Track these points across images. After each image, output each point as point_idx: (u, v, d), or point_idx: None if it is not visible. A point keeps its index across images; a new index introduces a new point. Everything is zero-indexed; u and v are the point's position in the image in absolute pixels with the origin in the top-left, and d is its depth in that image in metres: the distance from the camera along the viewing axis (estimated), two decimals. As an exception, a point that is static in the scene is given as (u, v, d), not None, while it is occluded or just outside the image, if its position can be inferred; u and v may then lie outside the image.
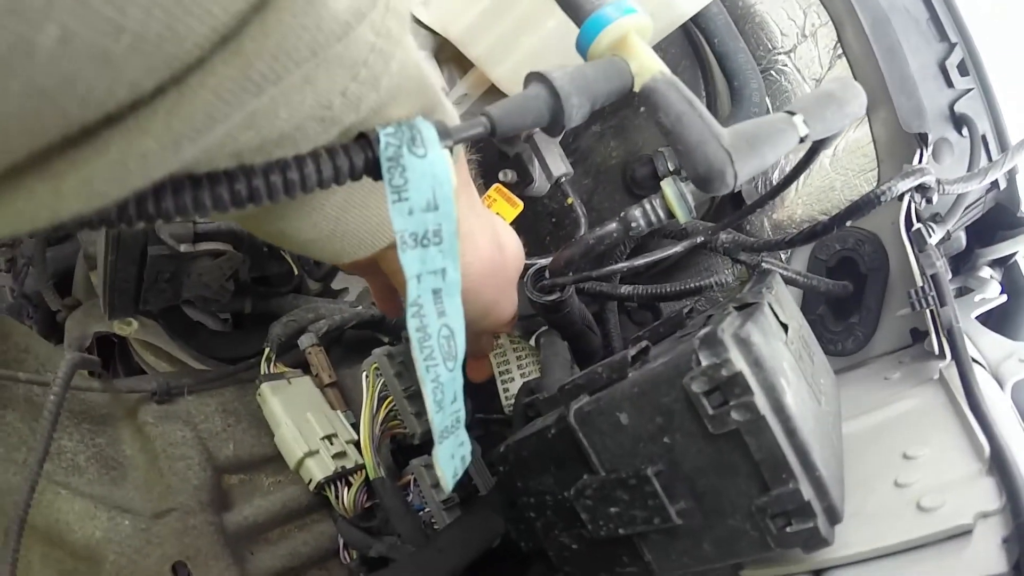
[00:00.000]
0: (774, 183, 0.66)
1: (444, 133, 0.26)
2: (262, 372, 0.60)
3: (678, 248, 0.54)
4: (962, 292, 0.64)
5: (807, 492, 0.32)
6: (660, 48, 0.68)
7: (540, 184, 0.68)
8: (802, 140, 0.33)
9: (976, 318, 0.59)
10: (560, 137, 0.69)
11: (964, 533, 0.34)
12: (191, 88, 0.18)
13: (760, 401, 0.32)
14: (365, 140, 0.25)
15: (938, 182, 0.49)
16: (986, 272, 0.64)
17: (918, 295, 0.48)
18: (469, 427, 0.34)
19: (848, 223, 0.49)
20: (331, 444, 0.57)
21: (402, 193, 0.25)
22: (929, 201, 0.50)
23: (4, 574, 0.42)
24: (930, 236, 0.49)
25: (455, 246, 0.28)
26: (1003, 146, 0.60)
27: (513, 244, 0.46)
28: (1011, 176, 0.60)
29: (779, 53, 0.65)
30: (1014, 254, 0.64)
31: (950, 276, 0.63)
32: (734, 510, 0.34)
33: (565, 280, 0.55)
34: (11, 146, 0.16)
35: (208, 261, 0.63)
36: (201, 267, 0.63)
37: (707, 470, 0.35)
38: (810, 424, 0.34)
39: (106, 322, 0.69)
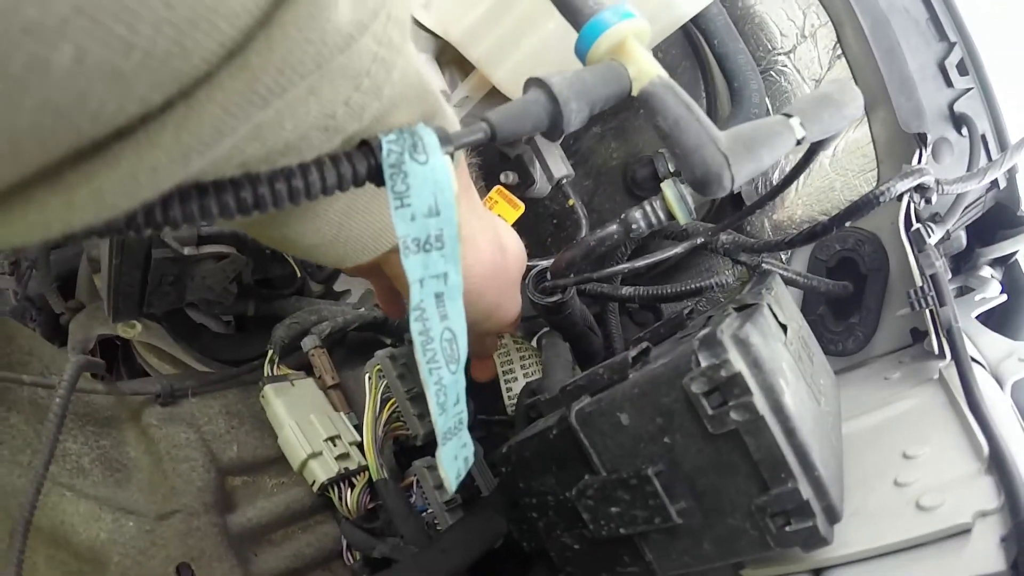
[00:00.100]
0: (774, 184, 0.66)
1: (445, 139, 0.27)
2: (265, 374, 0.61)
3: (678, 249, 0.55)
4: (962, 291, 0.64)
5: (806, 491, 0.33)
6: (660, 49, 0.68)
7: (541, 186, 0.68)
8: (799, 142, 0.34)
9: (976, 317, 0.59)
10: (561, 139, 0.69)
11: (963, 532, 0.34)
12: (199, 102, 0.18)
13: (759, 401, 0.32)
14: (367, 147, 0.25)
15: (937, 182, 0.49)
16: (986, 271, 0.64)
17: (917, 295, 0.48)
18: (471, 428, 0.35)
19: (847, 223, 0.49)
20: (334, 446, 0.57)
21: (404, 199, 0.26)
22: (928, 201, 0.50)
23: (11, 575, 0.42)
24: (929, 236, 0.49)
25: (457, 250, 0.28)
26: (1003, 145, 0.60)
27: (515, 245, 0.46)
28: (1011, 175, 0.60)
29: (779, 54, 0.66)
30: (1014, 253, 0.64)
31: (950, 276, 0.63)
32: (734, 509, 0.35)
33: (566, 281, 0.55)
34: (24, 159, 0.17)
35: (211, 264, 0.63)
36: (204, 270, 0.63)
37: (707, 470, 0.35)
38: (809, 424, 0.35)
39: (110, 325, 0.70)
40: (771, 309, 0.41)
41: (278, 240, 0.31)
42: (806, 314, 0.64)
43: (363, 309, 0.69)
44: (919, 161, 0.56)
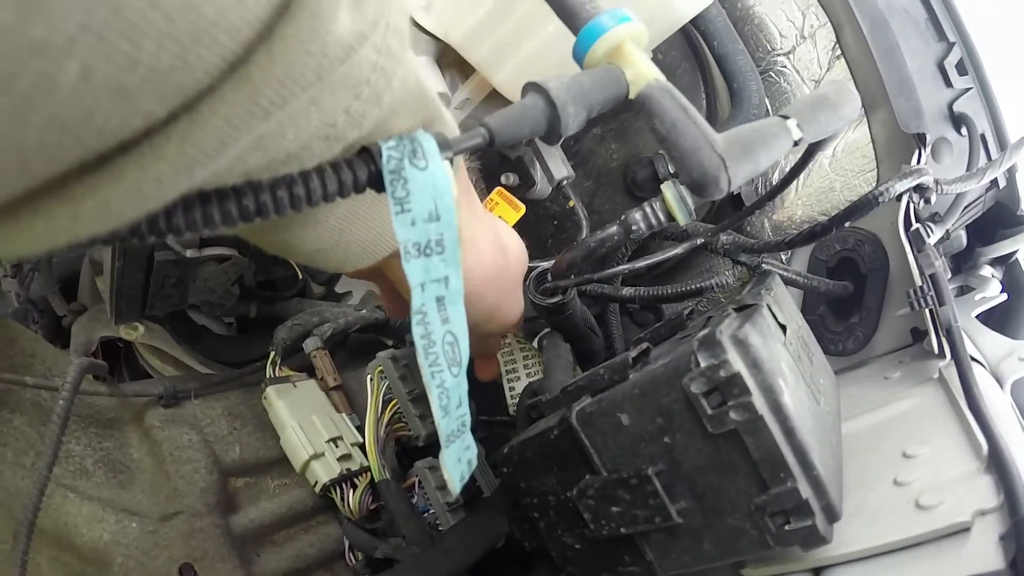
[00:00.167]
0: (774, 185, 0.66)
1: (444, 145, 0.27)
2: (267, 376, 0.61)
3: (678, 250, 0.55)
4: (963, 291, 0.64)
5: (805, 491, 0.33)
6: (660, 51, 0.68)
7: (542, 187, 0.69)
8: (796, 143, 0.34)
9: (977, 317, 0.59)
10: (561, 141, 0.70)
11: (962, 530, 0.35)
12: (202, 115, 0.18)
13: (758, 401, 0.32)
14: (368, 154, 0.25)
15: (936, 182, 0.49)
16: (987, 271, 0.64)
17: (917, 295, 0.48)
18: (473, 429, 0.35)
19: (847, 224, 0.49)
20: (336, 447, 0.58)
21: (404, 204, 0.26)
22: (927, 201, 0.50)
23: None
24: (929, 236, 0.49)
25: (457, 255, 0.29)
26: (1002, 145, 0.60)
27: (516, 246, 0.46)
28: (1011, 174, 0.60)
29: (778, 55, 0.66)
30: (1014, 252, 0.64)
31: (950, 275, 0.63)
32: (734, 509, 0.35)
33: (567, 283, 0.55)
34: (31, 173, 0.17)
35: (213, 266, 0.63)
36: (207, 272, 0.63)
37: (707, 470, 0.35)
38: (808, 424, 0.35)
39: (112, 327, 0.70)
40: (770, 309, 0.41)
41: (279, 246, 0.32)
42: (806, 314, 0.64)
43: (364, 311, 0.70)
44: (918, 161, 0.56)
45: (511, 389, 0.61)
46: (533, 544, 0.48)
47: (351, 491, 0.57)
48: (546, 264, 0.59)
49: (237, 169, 0.22)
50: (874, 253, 0.60)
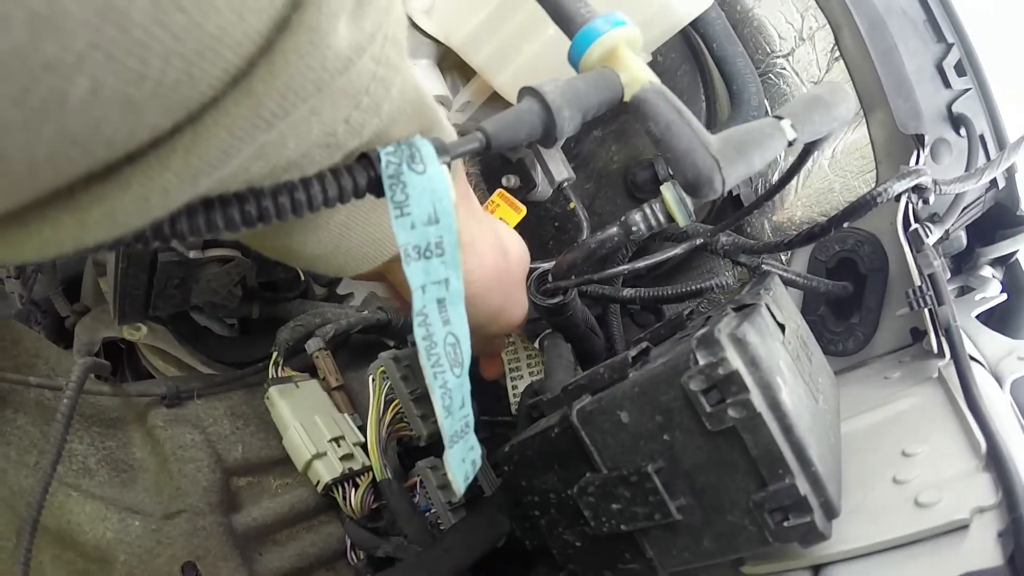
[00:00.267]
0: (771, 185, 0.66)
1: (442, 149, 0.28)
2: (270, 376, 0.61)
3: (678, 250, 0.55)
4: (963, 291, 0.64)
5: (803, 487, 0.33)
6: (660, 53, 0.69)
7: (543, 189, 0.69)
8: (791, 144, 0.34)
9: (977, 317, 0.59)
10: (558, 144, 0.70)
11: (961, 528, 0.35)
12: (206, 127, 0.19)
13: (756, 399, 0.33)
14: (367, 160, 0.26)
15: (935, 182, 0.50)
16: (987, 271, 0.64)
17: (916, 295, 0.48)
18: (475, 429, 0.35)
19: (846, 224, 0.49)
20: (338, 446, 0.58)
21: (404, 208, 0.26)
22: (926, 201, 0.51)
23: (17, 575, 0.42)
24: (928, 236, 0.49)
25: (457, 257, 0.29)
26: (1001, 145, 0.60)
27: (517, 247, 0.47)
28: (1010, 175, 0.61)
29: (777, 56, 0.66)
30: (1014, 253, 0.64)
31: (949, 276, 0.63)
32: (733, 506, 0.35)
33: (568, 283, 0.56)
34: (40, 183, 0.17)
35: (216, 267, 0.64)
36: (209, 273, 0.64)
37: (706, 467, 0.35)
38: (806, 421, 0.35)
39: (115, 327, 0.70)
40: (769, 309, 0.41)
41: (280, 251, 0.32)
42: (806, 314, 0.64)
43: (366, 312, 0.70)
44: (917, 162, 0.57)
45: (514, 387, 0.61)
46: (534, 542, 0.48)
47: (353, 490, 0.57)
48: (547, 265, 0.59)
49: (240, 177, 0.23)
50: (874, 253, 0.60)
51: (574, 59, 0.36)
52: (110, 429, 0.54)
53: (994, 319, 0.63)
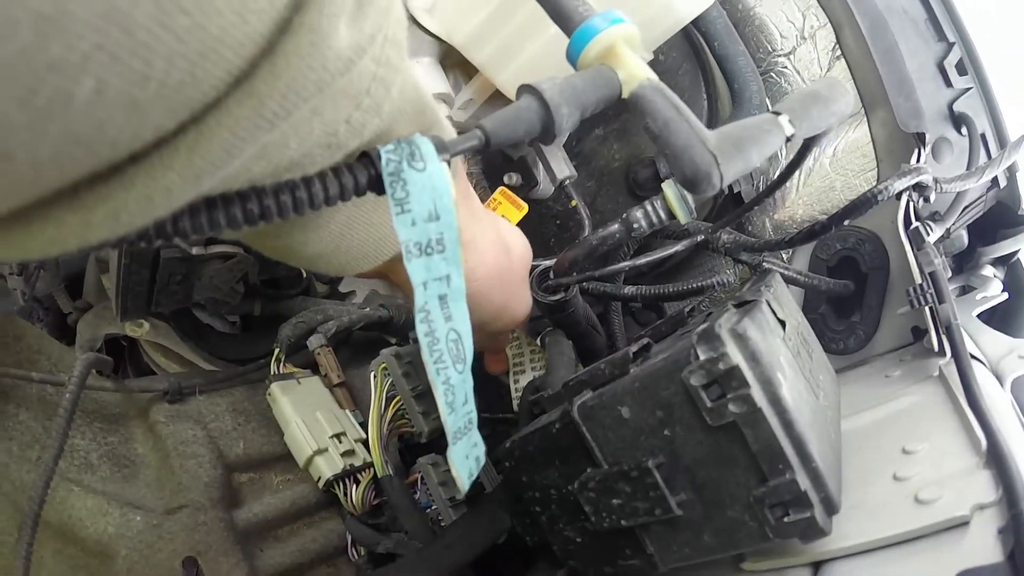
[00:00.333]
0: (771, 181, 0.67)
1: (441, 147, 0.28)
2: (272, 372, 0.61)
3: (679, 247, 0.55)
4: (964, 291, 0.64)
5: (803, 482, 0.33)
6: (662, 52, 0.69)
7: (544, 187, 0.69)
8: (789, 139, 0.34)
9: (979, 316, 0.59)
10: (564, 140, 0.70)
11: (961, 524, 0.35)
12: (209, 127, 0.19)
13: (756, 394, 0.33)
14: (367, 158, 0.26)
15: (935, 180, 0.50)
16: (988, 271, 0.64)
17: (917, 292, 0.48)
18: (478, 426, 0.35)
19: (846, 222, 0.49)
20: (340, 442, 0.58)
21: (404, 205, 0.27)
22: (927, 199, 0.51)
23: (18, 569, 0.43)
24: (928, 234, 0.49)
25: (458, 253, 0.29)
26: (1002, 144, 0.60)
27: (519, 244, 0.47)
28: (1011, 174, 0.61)
29: (779, 55, 0.66)
30: (1016, 252, 0.64)
31: (950, 275, 0.63)
32: (733, 501, 0.35)
33: (569, 280, 0.56)
34: (45, 182, 0.18)
35: (219, 264, 0.64)
36: (212, 270, 0.64)
37: (706, 462, 0.35)
38: (807, 416, 0.35)
39: (117, 324, 0.70)
40: (769, 305, 0.41)
41: (281, 250, 0.32)
42: (807, 313, 0.64)
43: (368, 309, 0.70)
44: (918, 160, 0.57)
45: (516, 381, 0.62)
46: (535, 539, 0.48)
47: (354, 486, 0.57)
48: (548, 263, 0.59)
49: (243, 177, 0.23)
50: (875, 252, 0.60)
51: (572, 57, 0.37)
52: (112, 425, 0.54)
53: (995, 319, 0.63)
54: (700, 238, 0.57)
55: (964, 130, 0.59)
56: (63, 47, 0.15)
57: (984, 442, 0.39)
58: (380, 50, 0.24)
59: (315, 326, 0.65)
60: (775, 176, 0.65)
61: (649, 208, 0.53)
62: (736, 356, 0.33)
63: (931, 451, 0.42)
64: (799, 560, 0.38)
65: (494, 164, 0.73)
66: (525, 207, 0.66)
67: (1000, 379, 0.49)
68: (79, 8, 0.15)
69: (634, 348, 0.41)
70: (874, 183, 0.64)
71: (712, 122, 0.72)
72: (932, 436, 0.43)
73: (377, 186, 0.26)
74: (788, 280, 0.57)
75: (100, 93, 0.16)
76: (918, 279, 0.50)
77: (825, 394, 0.44)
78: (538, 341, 0.63)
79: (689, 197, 0.53)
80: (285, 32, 0.20)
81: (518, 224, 0.58)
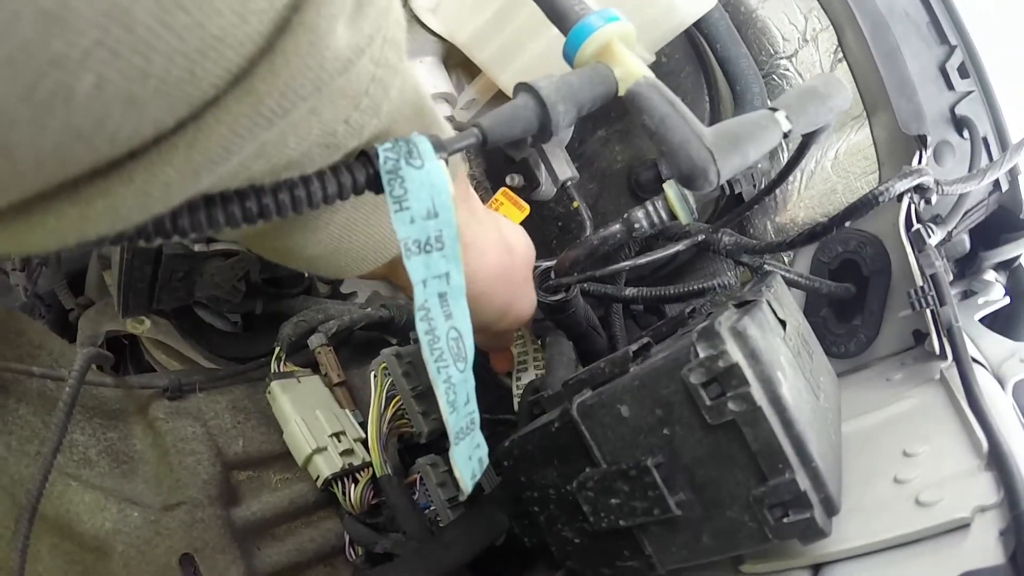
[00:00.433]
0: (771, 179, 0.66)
1: (439, 145, 0.28)
2: (272, 371, 0.61)
3: (679, 246, 0.55)
4: (967, 295, 0.64)
5: (803, 482, 0.33)
6: (664, 54, 0.69)
7: (546, 188, 0.69)
8: (786, 135, 0.34)
9: (980, 321, 0.59)
10: (566, 142, 0.70)
11: (962, 527, 0.35)
12: (208, 124, 0.19)
13: (756, 392, 0.32)
14: (365, 157, 0.27)
15: (937, 183, 0.50)
16: (990, 275, 0.64)
17: (918, 295, 0.48)
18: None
19: (848, 223, 0.49)
20: (339, 441, 0.58)
21: (403, 203, 0.27)
22: (928, 202, 0.51)
23: (14, 562, 0.43)
24: (930, 236, 0.49)
25: (457, 251, 0.29)
26: (1004, 148, 0.60)
27: (522, 243, 0.47)
28: (1013, 177, 0.60)
29: (781, 58, 0.66)
30: (1018, 257, 0.64)
31: (951, 278, 0.63)
32: (732, 501, 0.35)
33: (570, 280, 0.56)
34: (45, 176, 0.18)
35: (220, 261, 0.64)
36: (214, 267, 0.64)
37: (706, 461, 0.35)
38: (807, 416, 0.35)
39: (118, 321, 0.70)
40: (770, 305, 0.41)
41: (280, 251, 0.32)
42: (809, 316, 0.64)
43: (369, 309, 0.70)
44: (919, 163, 0.57)
45: (518, 379, 0.61)
46: (533, 540, 0.48)
47: (353, 486, 0.57)
48: (550, 263, 0.59)
49: (241, 175, 0.23)
50: (876, 255, 0.60)
51: (568, 55, 0.37)
52: (111, 420, 0.54)
53: (997, 323, 0.63)
54: (701, 238, 0.57)
55: (966, 133, 0.59)
56: (64, 42, 0.15)
57: (985, 444, 0.38)
58: (379, 51, 0.24)
59: (316, 325, 0.65)
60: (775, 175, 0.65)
61: (651, 208, 0.53)
62: (736, 354, 0.33)
63: (932, 453, 0.42)
64: (799, 562, 0.38)
65: (496, 165, 0.73)
66: (527, 208, 0.66)
67: (1002, 383, 0.49)
68: (81, 4, 0.15)
69: (634, 347, 0.41)
70: (876, 186, 0.64)
71: (714, 124, 0.72)
72: (933, 438, 0.43)
73: (375, 184, 0.27)
74: (789, 282, 0.57)
75: (100, 88, 0.16)
76: (919, 281, 0.49)
77: (826, 395, 0.43)
78: (539, 343, 0.63)
79: (691, 198, 0.53)
80: (284, 32, 0.20)
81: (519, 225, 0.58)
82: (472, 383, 0.32)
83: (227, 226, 0.23)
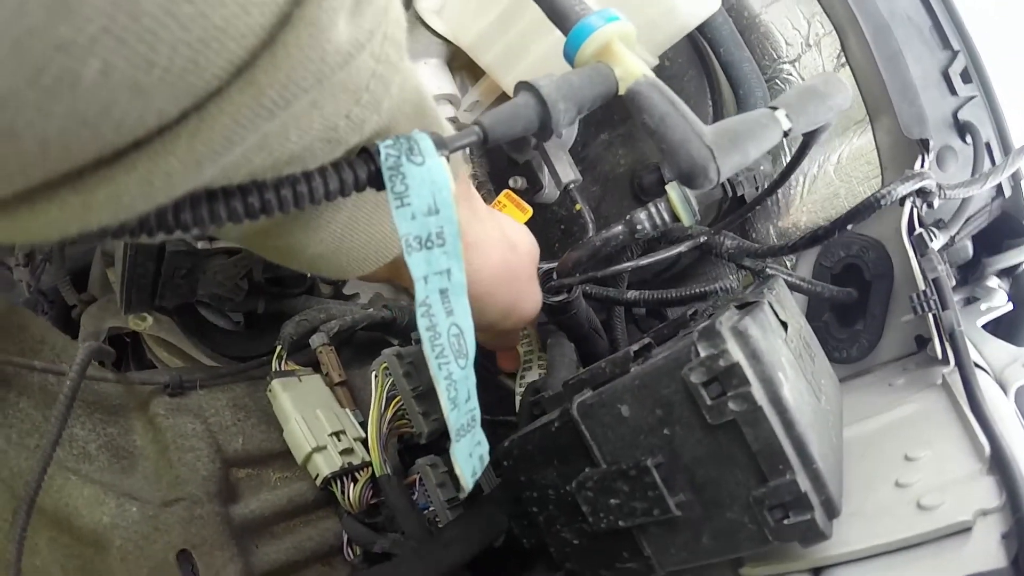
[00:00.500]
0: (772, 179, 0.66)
1: (440, 143, 0.28)
2: (273, 369, 0.61)
3: (681, 248, 0.55)
4: (969, 302, 0.64)
5: (804, 484, 0.33)
6: (667, 58, 0.69)
7: (549, 191, 0.69)
8: (786, 134, 0.34)
9: (983, 327, 0.59)
10: (570, 144, 0.70)
11: (964, 530, 0.34)
12: (211, 114, 0.20)
13: (757, 392, 0.32)
14: (367, 153, 0.27)
15: (939, 186, 0.50)
16: (993, 281, 0.64)
17: (920, 299, 0.48)
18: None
19: (849, 227, 0.49)
20: (339, 440, 0.58)
21: (404, 199, 0.27)
22: (931, 206, 0.50)
23: (11, 554, 0.43)
24: (932, 240, 0.49)
25: (458, 247, 0.29)
26: (1007, 153, 0.60)
27: (525, 241, 0.47)
28: (1016, 183, 0.60)
29: (784, 62, 0.66)
30: (1021, 263, 0.63)
31: (954, 284, 0.63)
32: (732, 502, 0.35)
33: (572, 280, 0.56)
34: (50, 163, 0.18)
35: (223, 259, 0.64)
36: (216, 265, 0.64)
37: (706, 461, 0.35)
38: (808, 417, 0.35)
39: (120, 318, 0.71)
40: (772, 307, 0.41)
41: (283, 250, 0.33)
42: (811, 320, 0.64)
43: (371, 309, 0.70)
44: (921, 167, 0.57)
45: (522, 377, 0.61)
46: (532, 541, 0.48)
47: (352, 485, 0.57)
48: (552, 265, 0.59)
49: (243, 169, 0.23)
50: (879, 259, 0.60)
51: (569, 54, 0.37)
52: (112, 416, 0.54)
53: (1000, 329, 0.63)
54: (703, 239, 0.57)
55: (968, 138, 0.59)
56: (71, 28, 0.16)
57: (987, 448, 0.38)
58: (379, 47, 0.25)
59: (318, 324, 0.66)
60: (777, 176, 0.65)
61: (653, 210, 0.53)
62: (736, 353, 0.33)
63: (933, 457, 0.41)
64: (799, 565, 0.38)
65: (499, 167, 0.73)
66: (530, 210, 0.66)
67: (1004, 388, 0.49)
68: None
69: (635, 347, 0.41)
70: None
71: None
72: (935, 443, 0.43)
73: (377, 181, 0.27)
74: (792, 286, 0.57)
75: (106, 75, 0.17)
76: (921, 285, 0.49)
77: (827, 398, 0.43)
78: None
79: (693, 200, 0.53)
80: (285, 24, 0.20)
81: (522, 224, 0.58)
82: (473, 380, 0.32)
83: (229, 221, 0.24)
